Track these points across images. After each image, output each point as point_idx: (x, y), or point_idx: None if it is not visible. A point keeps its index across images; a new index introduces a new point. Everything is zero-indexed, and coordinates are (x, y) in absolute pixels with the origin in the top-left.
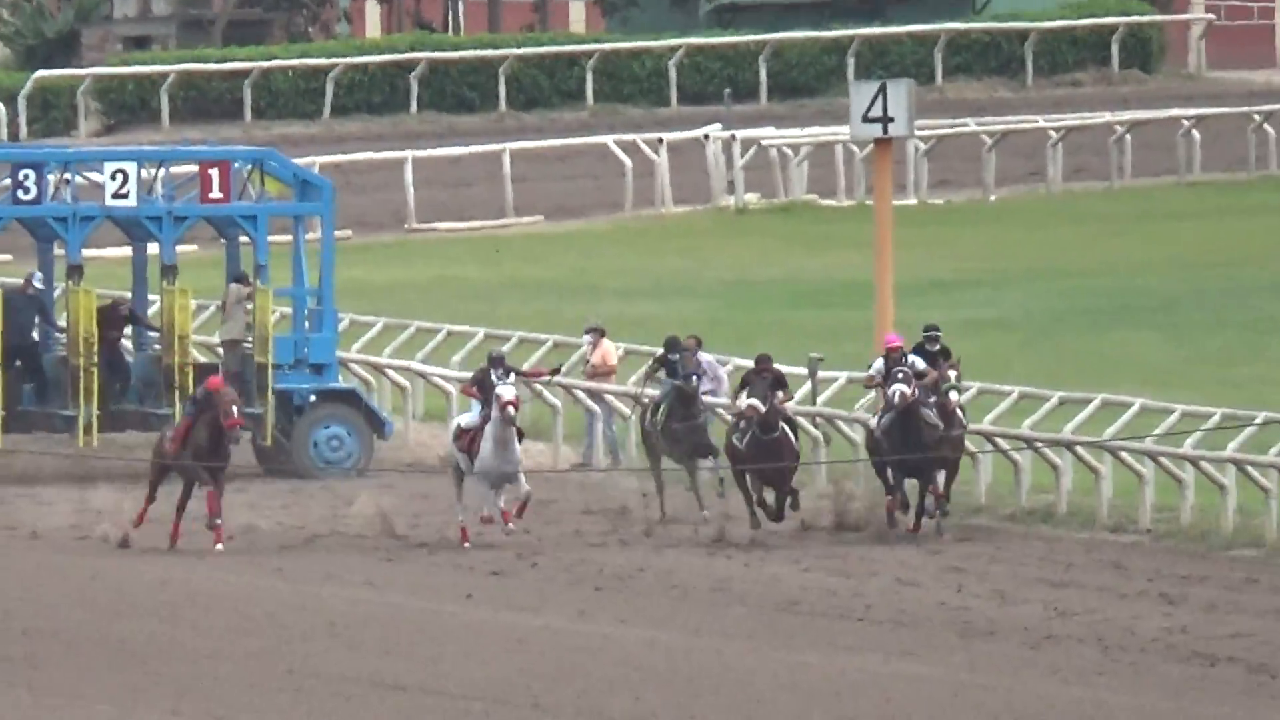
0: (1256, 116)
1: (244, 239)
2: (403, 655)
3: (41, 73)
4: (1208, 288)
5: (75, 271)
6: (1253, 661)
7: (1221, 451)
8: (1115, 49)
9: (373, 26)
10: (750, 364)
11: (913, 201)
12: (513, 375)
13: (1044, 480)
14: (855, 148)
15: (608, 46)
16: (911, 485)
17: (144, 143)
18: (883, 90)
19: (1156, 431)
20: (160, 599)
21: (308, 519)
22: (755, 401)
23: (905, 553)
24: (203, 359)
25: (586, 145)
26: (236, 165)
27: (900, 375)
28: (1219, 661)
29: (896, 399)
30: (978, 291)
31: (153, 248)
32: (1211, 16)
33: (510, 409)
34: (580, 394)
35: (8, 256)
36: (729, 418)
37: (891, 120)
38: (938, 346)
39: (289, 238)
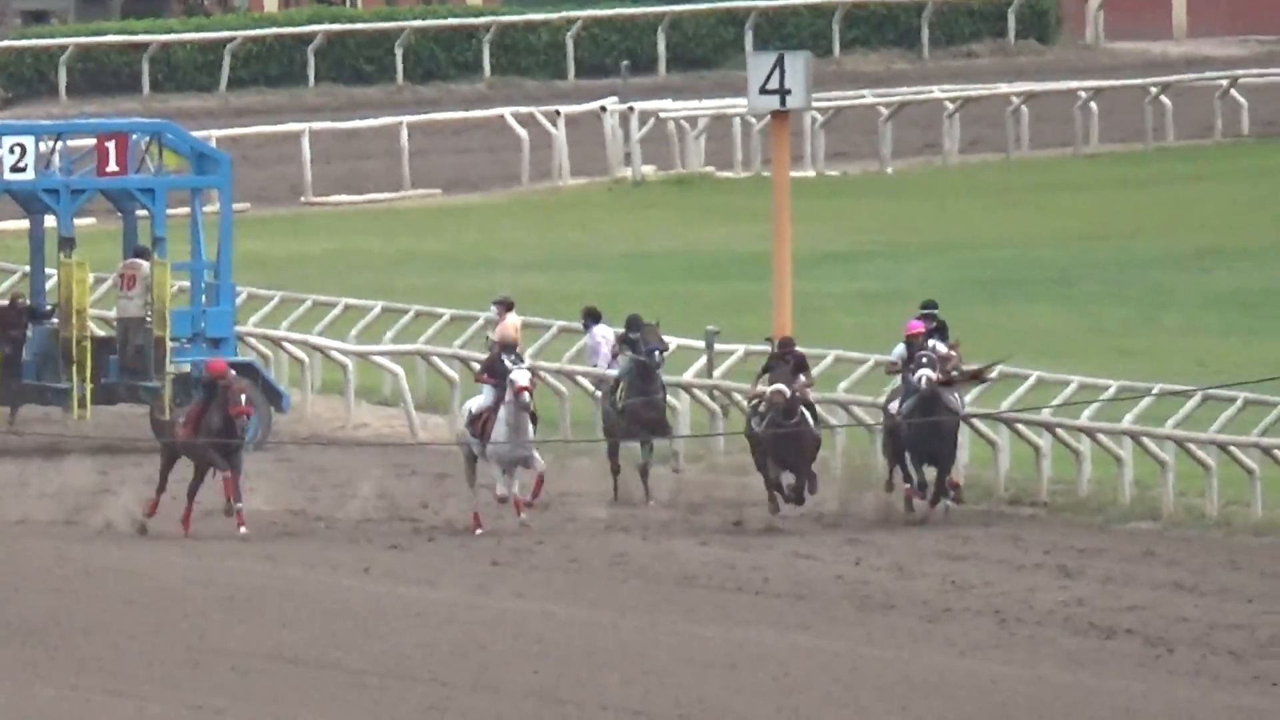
0: (1153, 88)
1: (141, 212)
2: (301, 629)
3: None
4: (1104, 260)
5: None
6: (1149, 634)
7: (1118, 423)
8: (1012, 20)
9: (270, 0)
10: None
11: (810, 174)
12: (526, 359)
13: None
14: (753, 120)
15: (505, 19)
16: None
17: (42, 116)
18: (780, 62)
19: (1053, 403)
20: (59, 575)
21: (204, 493)
22: (781, 386)
23: (803, 525)
24: (101, 333)
25: (484, 118)
26: (134, 138)
27: (925, 359)
28: (1116, 634)
29: (923, 383)
30: (875, 263)
31: (50, 221)
32: None
33: (525, 394)
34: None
35: None
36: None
37: (789, 92)
38: (934, 324)
39: (186, 211)
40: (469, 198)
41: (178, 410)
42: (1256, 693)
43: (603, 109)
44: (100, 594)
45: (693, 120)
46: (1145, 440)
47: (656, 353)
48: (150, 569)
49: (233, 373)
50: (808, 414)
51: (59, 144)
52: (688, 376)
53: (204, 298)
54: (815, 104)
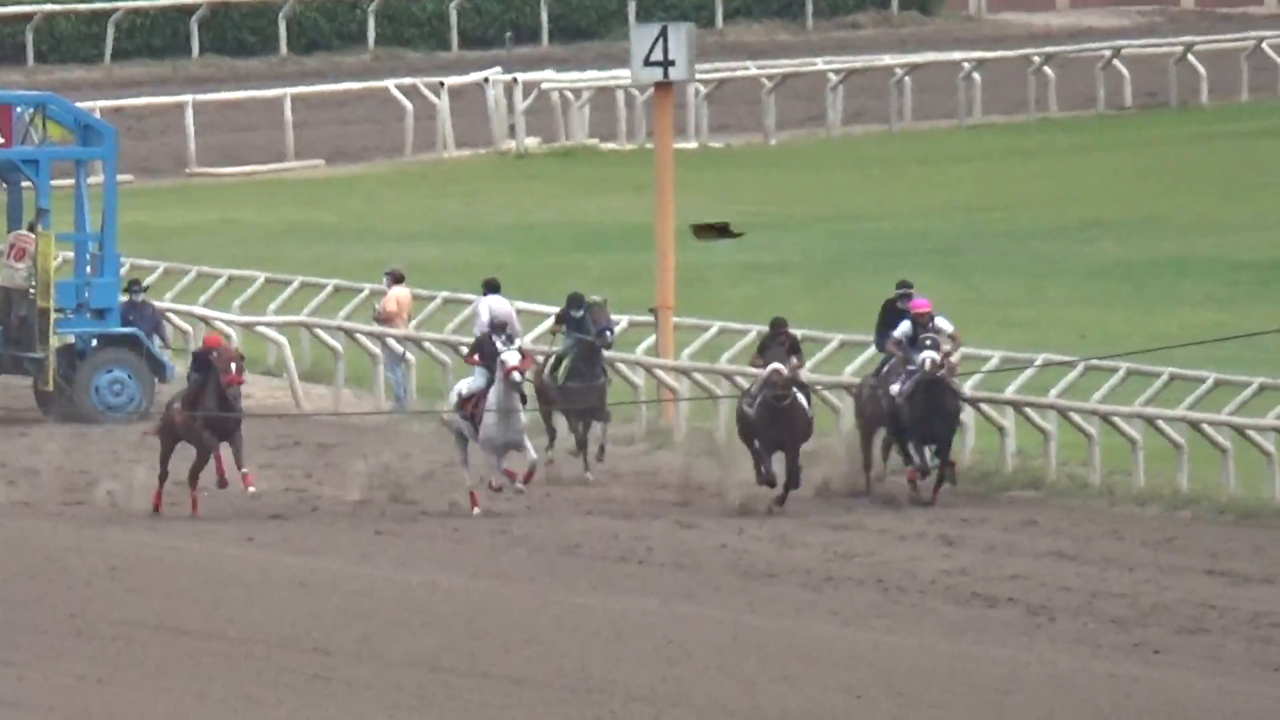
0: (1036, 59)
1: (25, 184)
2: (185, 599)
3: None
4: (988, 231)
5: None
6: (1032, 603)
7: (1000, 393)
8: None
9: None
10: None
11: (693, 145)
12: (517, 341)
13: (825, 424)
14: (636, 91)
15: None
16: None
17: None
18: (663, 34)
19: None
20: None
21: (89, 464)
22: (779, 366)
23: (687, 494)
24: None
25: (367, 89)
26: (18, 110)
27: (930, 342)
28: (998, 603)
29: (928, 365)
30: (758, 235)
31: None
32: None
33: (515, 374)
34: (362, 338)
35: None
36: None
37: (672, 64)
38: (905, 305)
39: (71, 182)
40: (353, 169)
41: (174, 395)
42: (1138, 661)
43: (486, 80)
44: None
45: (576, 92)
46: (1028, 410)
47: (608, 332)
48: (32, 538)
49: (226, 344)
50: (800, 395)
51: None
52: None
53: (89, 269)
54: (699, 75)
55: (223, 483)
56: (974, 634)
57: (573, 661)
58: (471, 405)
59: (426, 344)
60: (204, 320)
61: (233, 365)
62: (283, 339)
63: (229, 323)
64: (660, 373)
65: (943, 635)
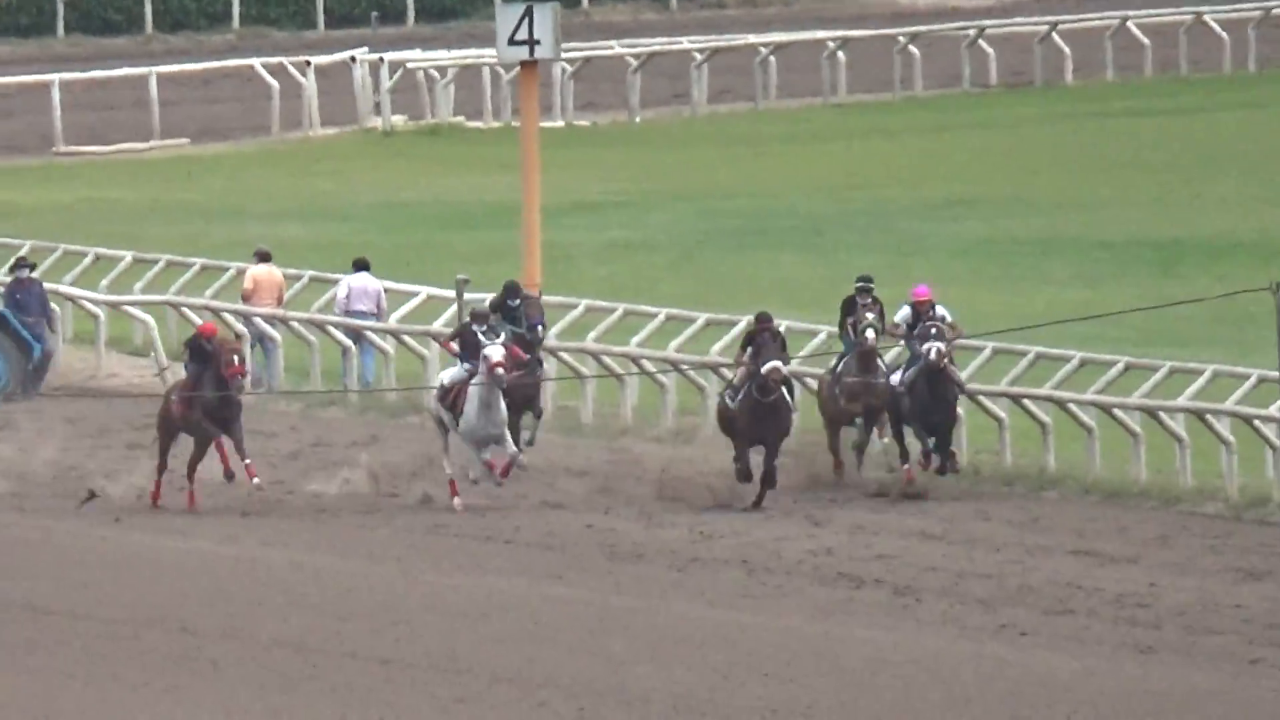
0: (901, 38)
1: None
2: (52, 579)
3: None
4: (854, 209)
5: None
6: (898, 583)
7: None
8: None
9: None
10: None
11: (559, 123)
12: (502, 335)
13: (690, 403)
14: (502, 70)
15: None
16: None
17: None
18: (529, 13)
19: (802, 353)
20: None
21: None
22: (778, 364)
23: (554, 476)
24: None
25: (233, 68)
26: None
27: (934, 331)
28: (864, 583)
29: (933, 355)
30: (624, 213)
31: None
32: None
33: (499, 370)
34: (229, 318)
35: None
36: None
37: (538, 43)
38: (870, 299)
39: None
40: (219, 148)
41: (172, 386)
42: (1004, 642)
43: (352, 59)
44: None
45: (442, 70)
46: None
47: (539, 328)
48: None
49: (222, 334)
50: (785, 392)
51: None
52: (437, 326)
53: None
54: (564, 54)
55: (229, 475)
56: (840, 615)
57: (440, 642)
58: (453, 395)
59: (294, 323)
60: (71, 299)
61: (235, 357)
62: (149, 318)
63: (95, 301)
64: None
65: (809, 616)
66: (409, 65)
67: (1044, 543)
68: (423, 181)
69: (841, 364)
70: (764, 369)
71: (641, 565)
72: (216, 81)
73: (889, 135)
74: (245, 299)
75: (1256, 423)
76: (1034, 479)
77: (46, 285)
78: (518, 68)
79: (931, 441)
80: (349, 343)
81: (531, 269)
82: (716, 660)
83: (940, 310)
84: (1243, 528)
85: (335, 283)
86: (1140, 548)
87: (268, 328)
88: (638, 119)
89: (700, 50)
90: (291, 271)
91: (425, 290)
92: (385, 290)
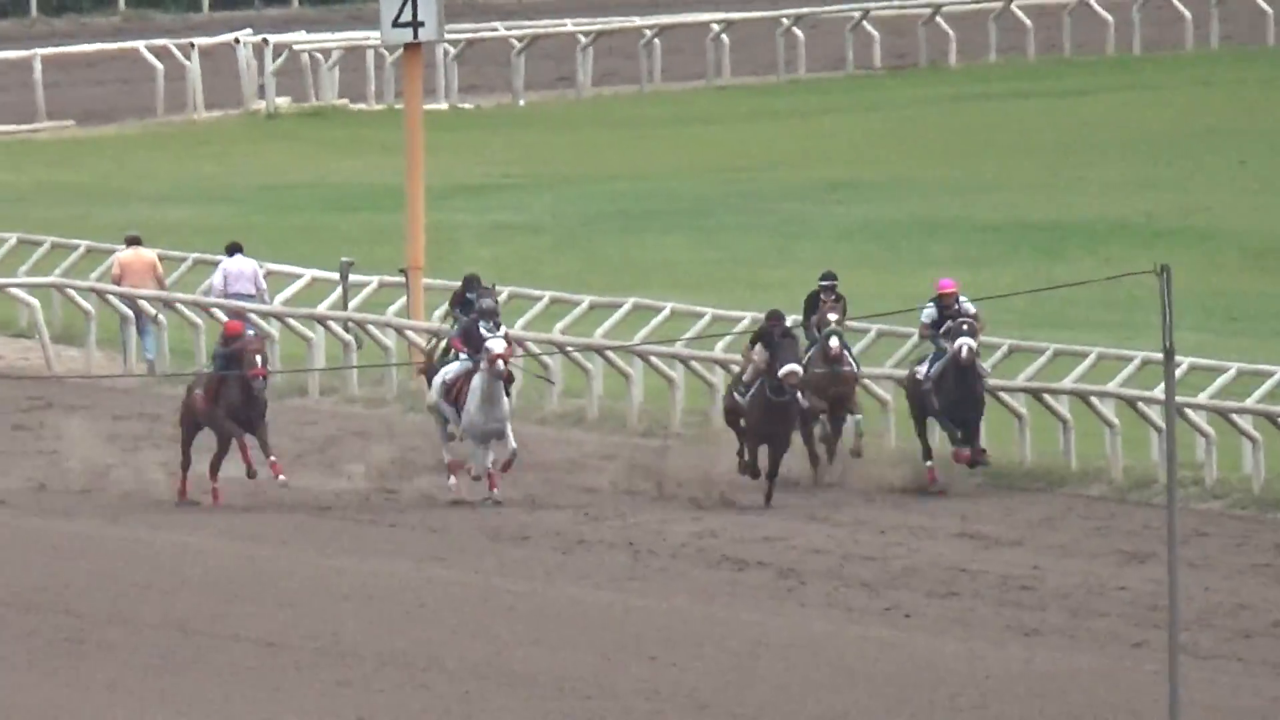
0: (785, 20)
1: None
2: None
3: None
4: (738, 192)
5: None
6: (782, 565)
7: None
8: None
9: None
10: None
11: (443, 106)
12: (503, 328)
13: (576, 384)
14: (386, 52)
15: None
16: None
17: None
18: None
19: (687, 335)
20: None
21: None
22: (796, 368)
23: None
24: None
25: (118, 50)
26: None
27: (966, 327)
28: (748, 566)
29: (964, 353)
30: (508, 195)
31: None
32: None
33: (500, 363)
34: (114, 300)
35: None
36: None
37: (422, 25)
38: (834, 296)
39: None
40: (104, 130)
41: (195, 380)
42: (888, 624)
43: (237, 41)
44: None
45: (326, 53)
46: None
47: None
48: None
49: (250, 333)
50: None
51: None
52: (322, 309)
53: None
54: (448, 36)
55: (251, 473)
56: (724, 597)
57: (324, 624)
58: (455, 390)
59: (179, 305)
60: None
61: (258, 358)
62: (34, 300)
63: None
64: (411, 334)
65: (693, 598)
66: (294, 48)
67: (929, 525)
68: (307, 164)
69: (807, 360)
70: (781, 373)
71: (526, 547)
72: (101, 64)
73: (773, 118)
74: (115, 284)
75: (1140, 405)
76: (919, 461)
77: None
78: (402, 50)
79: (960, 434)
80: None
81: (415, 251)
82: (601, 642)
83: (965, 302)
84: (1127, 510)
85: (218, 264)
86: (1025, 530)
87: (152, 309)
88: (522, 101)
89: (585, 32)
90: (176, 254)
91: (309, 273)
92: (268, 273)
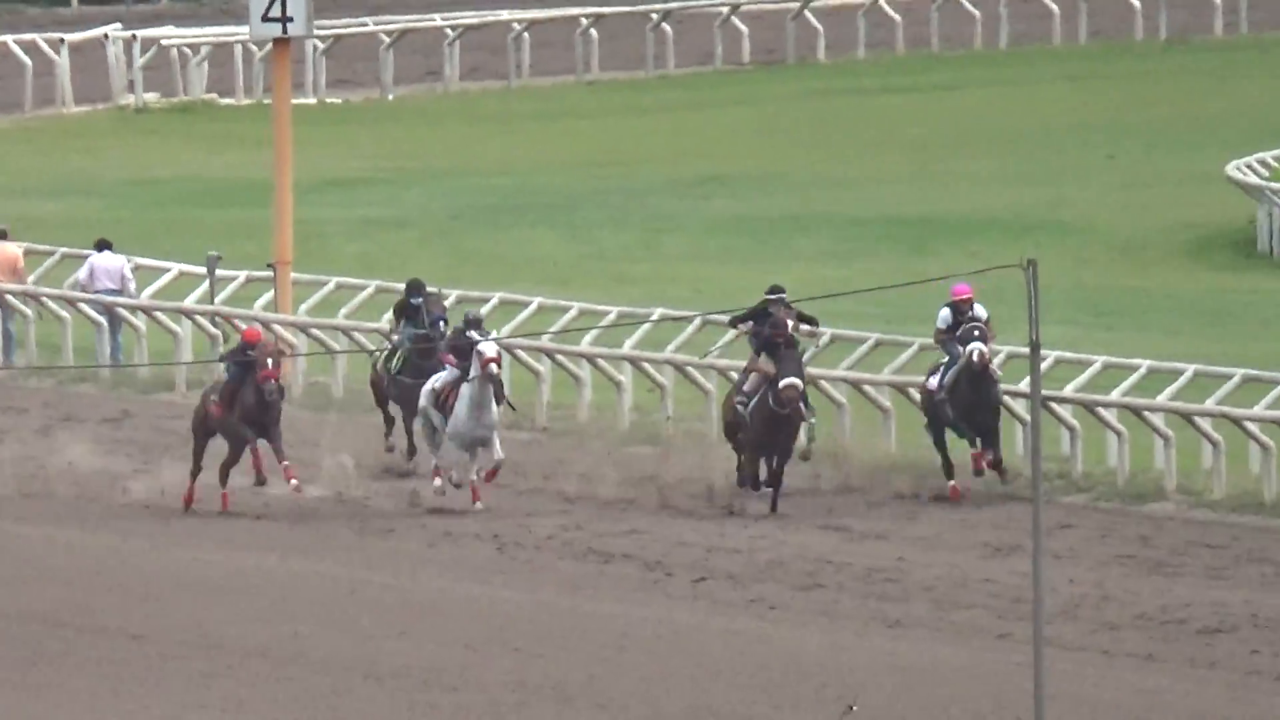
0: (654, 15)
1: None
2: None
3: None
4: (606, 187)
5: None
6: (648, 558)
7: (618, 349)
8: None
9: None
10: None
11: (312, 101)
12: (492, 334)
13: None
14: (255, 47)
15: None
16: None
17: None
18: None
19: (553, 329)
20: None
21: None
22: (796, 381)
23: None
24: None
25: None
26: None
27: (977, 333)
28: (614, 558)
29: (975, 357)
30: (376, 190)
31: None
32: None
33: (493, 366)
34: None
35: None
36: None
37: (290, 20)
38: (784, 306)
39: None
40: None
41: (208, 387)
42: (753, 616)
43: (106, 36)
44: None
45: (195, 47)
46: (645, 365)
47: (441, 323)
48: None
49: (266, 337)
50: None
51: None
52: (189, 303)
53: None
54: (317, 31)
55: (261, 480)
56: (589, 590)
57: (190, 617)
58: (444, 396)
59: (45, 299)
60: None
61: (269, 360)
62: None
63: None
64: (278, 328)
65: (558, 591)
66: (162, 43)
67: (794, 518)
68: (175, 158)
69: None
70: (781, 385)
71: (392, 540)
72: None
73: (642, 113)
74: None
75: (1006, 399)
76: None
77: None
78: (270, 45)
79: (978, 441)
80: (101, 319)
81: (283, 246)
82: (467, 634)
83: (979, 309)
84: (992, 503)
85: (86, 259)
86: (889, 523)
87: (17, 303)
88: (390, 96)
89: (453, 27)
90: (43, 248)
91: (177, 267)
92: (136, 267)
